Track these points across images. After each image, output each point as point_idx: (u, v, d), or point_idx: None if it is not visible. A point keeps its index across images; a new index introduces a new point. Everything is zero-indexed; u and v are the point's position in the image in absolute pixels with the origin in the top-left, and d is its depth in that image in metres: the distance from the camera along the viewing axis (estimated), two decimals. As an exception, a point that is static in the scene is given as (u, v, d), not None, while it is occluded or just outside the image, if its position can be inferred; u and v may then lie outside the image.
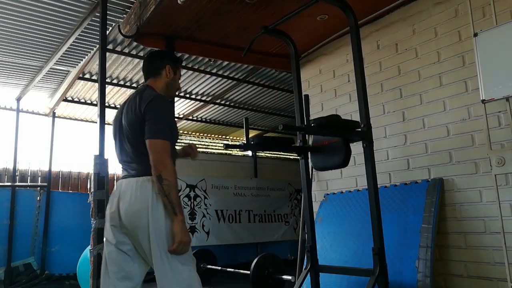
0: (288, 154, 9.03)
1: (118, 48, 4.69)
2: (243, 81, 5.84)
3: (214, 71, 5.50)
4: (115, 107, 6.42)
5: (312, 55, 4.36)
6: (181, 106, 6.80)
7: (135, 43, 4.06)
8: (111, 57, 4.88)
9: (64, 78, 5.47)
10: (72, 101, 6.18)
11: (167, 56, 2.18)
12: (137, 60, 5.03)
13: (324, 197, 3.95)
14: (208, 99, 6.56)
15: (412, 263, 2.83)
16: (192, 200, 6.93)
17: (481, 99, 2.70)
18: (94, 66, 5.13)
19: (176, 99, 6.15)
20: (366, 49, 3.62)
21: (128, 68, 5.28)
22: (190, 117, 7.39)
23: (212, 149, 8.46)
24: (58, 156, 6.65)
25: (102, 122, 3.26)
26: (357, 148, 2.98)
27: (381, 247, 2.37)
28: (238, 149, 7.84)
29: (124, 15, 3.93)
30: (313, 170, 4.04)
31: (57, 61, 4.83)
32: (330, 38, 4.09)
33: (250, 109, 7.13)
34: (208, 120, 7.71)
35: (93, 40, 4.40)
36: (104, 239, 1.95)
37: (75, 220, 6.13)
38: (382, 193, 3.06)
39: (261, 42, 3.91)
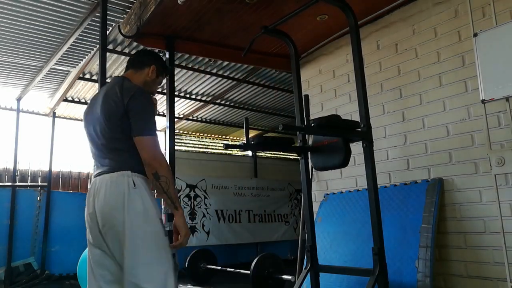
0: (288, 154, 9.03)
1: (118, 48, 4.69)
2: (243, 81, 5.84)
3: (214, 71, 5.51)
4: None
5: (312, 55, 4.36)
6: (181, 106, 6.80)
7: (135, 43, 4.06)
8: (111, 57, 4.89)
9: (64, 78, 5.47)
10: (72, 101, 6.18)
11: (159, 60, 2.12)
12: (137, 60, 5.02)
13: (324, 197, 3.95)
14: (208, 99, 6.57)
15: (412, 263, 2.84)
16: (192, 200, 6.93)
17: (481, 99, 2.70)
18: (94, 66, 5.14)
19: (176, 99, 6.15)
20: (366, 49, 3.62)
21: (128, 68, 5.27)
22: (190, 117, 7.40)
23: (212, 149, 8.46)
24: (58, 156, 6.65)
25: (102, 122, 3.25)
26: (357, 148, 2.98)
27: (381, 247, 2.37)
28: (238, 149, 7.83)
29: (124, 15, 3.93)
30: (313, 170, 4.04)
31: (57, 61, 4.83)
32: (330, 38, 4.10)
33: (250, 109, 7.13)
34: (208, 120, 7.71)
35: (93, 40, 4.40)
36: (87, 241, 1.87)
37: (75, 220, 6.11)
38: (382, 193, 3.06)
39: (261, 42, 3.91)
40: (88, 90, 5.90)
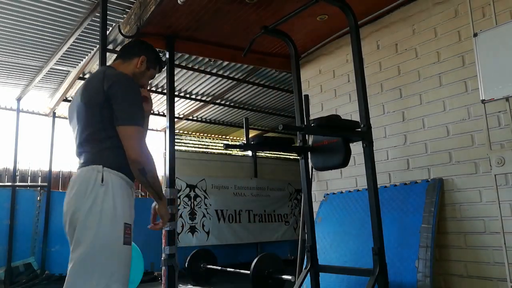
0: (288, 154, 9.04)
1: (118, 48, 4.69)
2: (243, 81, 5.84)
3: (214, 71, 5.50)
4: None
5: (312, 55, 4.36)
6: (181, 106, 6.80)
7: (135, 43, 4.06)
8: (111, 58, 4.86)
9: (64, 78, 5.47)
10: (72, 101, 6.19)
11: (151, 51, 1.95)
12: (137, 60, 5.02)
13: (324, 197, 3.95)
14: (208, 99, 6.56)
15: (412, 263, 2.83)
16: (192, 200, 6.94)
17: (481, 99, 2.70)
18: (94, 66, 5.13)
19: (176, 99, 6.15)
20: (366, 49, 3.62)
21: (128, 68, 5.27)
22: (190, 117, 7.39)
23: (212, 149, 8.46)
24: (58, 156, 6.65)
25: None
26: (357, 148, 2.98)
27: (381, 247, 2.38)
28: (238, 149, 7.84)
29: (124, 15, 3.93)
30: (313, 170, 4.04)
31: (57, 61, 4.83)
32: (330, 38, 4.10)
33: (250, 109, 7.13)
34: (208, 120, 7.71)
35: (93, 40, 4.40)
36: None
37: (75, 220, 6.12)
38: (382, 193, 3.06)
39: (261, 42, 3.91)
40: (88, 90, 5.89)
